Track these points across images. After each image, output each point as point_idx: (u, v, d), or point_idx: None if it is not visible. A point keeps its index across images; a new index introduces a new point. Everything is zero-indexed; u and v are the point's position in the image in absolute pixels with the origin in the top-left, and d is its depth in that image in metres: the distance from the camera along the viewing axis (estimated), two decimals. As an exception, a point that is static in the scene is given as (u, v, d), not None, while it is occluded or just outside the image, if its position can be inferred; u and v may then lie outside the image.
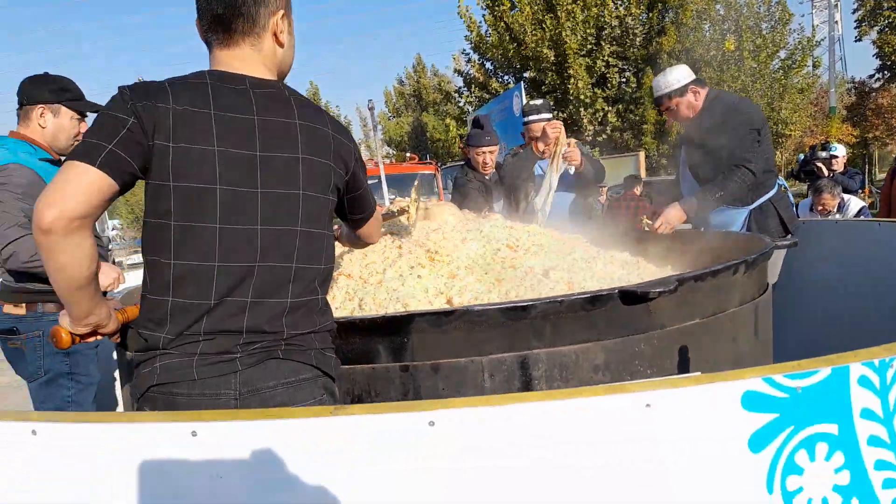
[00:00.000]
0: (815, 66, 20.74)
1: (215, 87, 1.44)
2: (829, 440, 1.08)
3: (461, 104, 21.36)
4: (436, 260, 2.32)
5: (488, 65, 19.90)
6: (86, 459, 1.04)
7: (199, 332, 1.42)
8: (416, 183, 2.63)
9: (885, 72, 19.42)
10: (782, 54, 19.34)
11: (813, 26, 23.82)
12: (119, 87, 1.43)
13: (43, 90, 2.82)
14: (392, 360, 1.89)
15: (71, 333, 1.51)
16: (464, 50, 20.22)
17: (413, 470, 1.01)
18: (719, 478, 1.04)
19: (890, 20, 18.34)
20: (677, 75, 3.45)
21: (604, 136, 17.81)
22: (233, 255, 1.42)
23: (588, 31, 17.32)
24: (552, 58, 17.63)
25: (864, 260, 3.17)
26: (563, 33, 16.97)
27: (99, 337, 1.59)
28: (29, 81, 2.86)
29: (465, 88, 20.92)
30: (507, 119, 14.77)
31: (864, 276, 3.14)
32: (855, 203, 5.43)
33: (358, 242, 2.03)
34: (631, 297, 1.91)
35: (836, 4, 26.93)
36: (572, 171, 3.75)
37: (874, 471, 1.11)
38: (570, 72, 17.20)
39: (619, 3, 17.83)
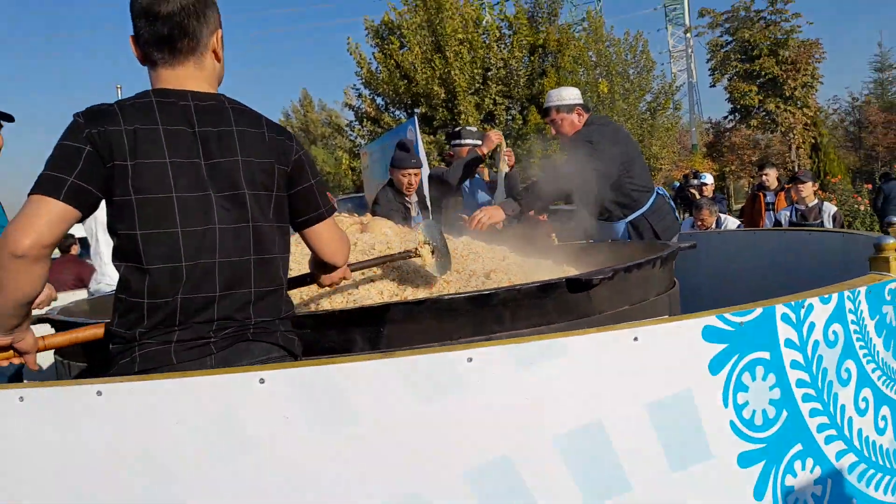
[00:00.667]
0: (676, 109, 22.99)
1: (160, 104, 1.56)
2: (764, 364, 1.39)
3: (353, 137, 21.56)
4: (423, 246, 2.52)
5: (379, 100, 20.32)
6: (170, 412, 1.14)
7: (175, 323, 1.55)
8: (420, 224, 2.61)
9: (736, 114, 21.95)
10: (648, 97, 21.37)
11: (673, 73, 26.44)
12: (73, 115, 1.53)
13: None
14: (370, 348, 2.04)
15: None
16: (354, 85, 20.53)
17: (448, 399, 1.20)
18: (689, 395, 1.32)
19: (737, 70, 20.86)
20: (569, 94, 3.82)
21: (494, 168, 18.59)
22: (196, 255, 1.55)
23: (475, 70, 18.21)
24: (442, 95, 18.33)
25: (744, 260, 3.72)
26: (453, 72, 17.74)
27: (14, 359, 1.60)
28: None
29: (357, 122, 21.17)
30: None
31: (746, 272, 3.69)
32: (731, 221, 6.23)
33: (324, 268, 1.93)
34: (576, 284, 2.20)
35: (691, 55, 30.36)
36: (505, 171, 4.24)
37: (796, 388, 1.43)
38: (461, 108, 17.93)
39: (503, 46, 18.97)
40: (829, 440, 1.46)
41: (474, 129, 4.60)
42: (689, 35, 26.65)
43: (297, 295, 2.42)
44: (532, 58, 18.97)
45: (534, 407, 1.23)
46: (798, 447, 1.42)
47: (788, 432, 1.41)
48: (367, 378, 1.16)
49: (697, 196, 7.78)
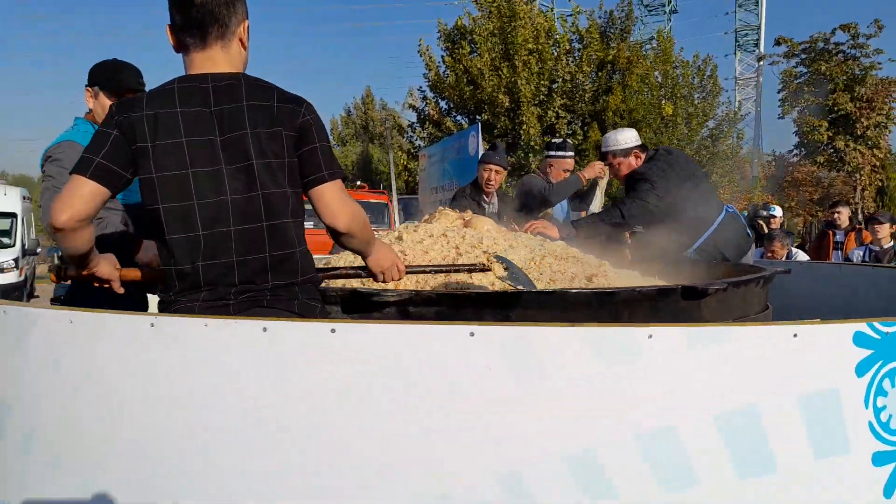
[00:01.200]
0: (738, 138, 22.68)
1: (181, 90, 1.75)
2: (904, 373, 1.51)
3: (412, 139, 21.87)
4: (492, 261, 2.67)
5: (443, 104, 20.60)
6: (384, 354, 1.33)
7: (200, 287, 1.76)
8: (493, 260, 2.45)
9: (802, 148, 21.54)
10: (711, 123, 21.14)
11: (738, 101, 26.06)
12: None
13: (91, 75, 3.04)
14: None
15: (64, 270, 1.92)
16: (420, 87, 20.85)
17: (628, 368, 1.36)
18: (836, 393, 1.45)
19: (809, 103, 20.47)
20: (626, 137, 3.81)
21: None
22: (211, 225, 1.73)
23: (542, 82, 18.32)
24: (507, 103, 18.47)
25: (827, 292, 3.79)
26: (519, 81, 17.89)
27: (96, 283, 1.92)
28: (93, 66, 3.07)
29: (418, 124, 21.50)
30: (461, 157, 15.34)
31: (826, 303, 3.75)
32: (801, 255, 6.22)
33: (332, 233, 1.89)
34: (691, 292, 2.34)
35: (759, 83, 29.90)
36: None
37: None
38: (523, 118, 18.05)
39: (572, 59, 19.03)
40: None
41: (559, 140, 4.75)
42: (761, 63, 26.23)
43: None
44: (599, 73, 18.99)
45: (700, 385, 1.38)
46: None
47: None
48: (560, 342, 1.33)
49: (766, 228, 7.75)
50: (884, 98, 19.73)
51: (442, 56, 19.77)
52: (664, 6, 41.50)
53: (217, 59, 1.80)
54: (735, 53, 42.13)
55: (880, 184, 20.83)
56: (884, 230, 6.47)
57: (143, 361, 1.44)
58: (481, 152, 9.88)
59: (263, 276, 1.77)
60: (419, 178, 14.51)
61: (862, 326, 1.46)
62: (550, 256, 3.15)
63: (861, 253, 6.59)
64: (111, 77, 3.01)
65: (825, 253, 7.42)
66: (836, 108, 20.00)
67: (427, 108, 20.94)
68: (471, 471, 1.32)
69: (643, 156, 3.76)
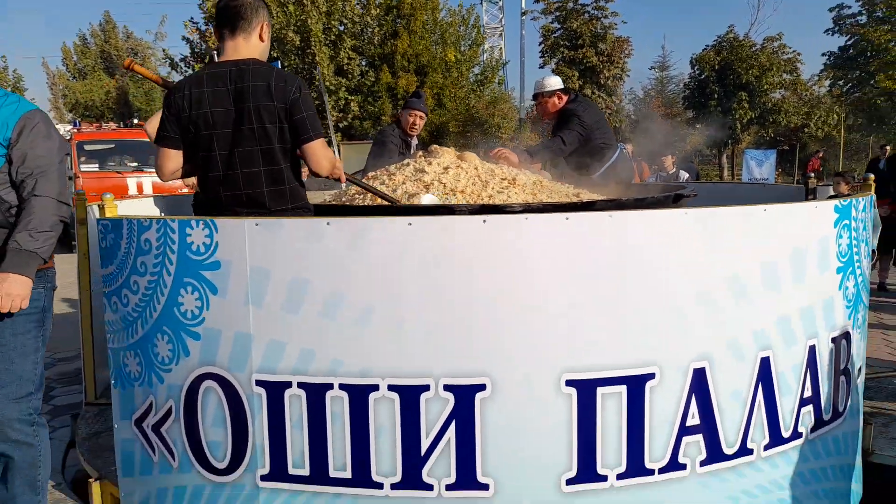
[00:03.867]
0: (500, 84, 24.99)
1: (209, 75, 2.43)
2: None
3: (188, 74, 20.18)
4: (516, 184, 3.22)
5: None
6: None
7: (223, 209, 2.45)
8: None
9: (559, 94, 24.53)
10: (476, 70, 22.98)
11: (500, 49, 28.50)
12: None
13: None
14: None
15: None
16: (192, 18, 19.26)
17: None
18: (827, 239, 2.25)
19: (564, 56, 23.34)
20: (551, 82, 4.54)
21: (345, 122, 18.86)
22: (227, 168, 2.42)
23: (332, 22, 18.19)
24: (297, 42, 18.03)
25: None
26: (309, 20, 17.55)
27: None
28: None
29: (195, 59, 19.93)
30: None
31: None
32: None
33: (315, 175, 2.59)
34: (680, 198, 3.11)
35: (520, 33, 33.20)
36: None
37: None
38: (316, 59, 17.83)
39: (358, 2, 19.14)
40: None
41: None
42: (523, 17, 28.89)
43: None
44: (387, 17, 19.41)
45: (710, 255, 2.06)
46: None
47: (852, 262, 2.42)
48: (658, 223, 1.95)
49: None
50: (619, 54, 23.34)
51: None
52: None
53: (240, 48, 2.47)
54: (482, 3, 45.30)
55: (615, 126, 24.74)
56: (668, 161, 8.24)
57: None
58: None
59: (263, 203, 2.44)
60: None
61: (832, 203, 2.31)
62: (541, 181, 3.69)
63: (654, 179, 8.34)
64: None
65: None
66: (585, 61, 23.13)
67: (203, 42, 19.46)
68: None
69: (565, 97, 4.47)
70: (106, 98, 29.60)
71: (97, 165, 13.55)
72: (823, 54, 30.04)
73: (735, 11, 54.14)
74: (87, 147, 13.55)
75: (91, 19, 58.73)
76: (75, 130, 13.87)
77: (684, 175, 8.27)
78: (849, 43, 27.84)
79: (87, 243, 3.08)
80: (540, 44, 24.44)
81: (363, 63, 19.54)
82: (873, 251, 2.62)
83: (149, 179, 13.74)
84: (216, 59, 2.55)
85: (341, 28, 18.78)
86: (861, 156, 29.57)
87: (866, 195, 2.46)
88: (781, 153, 25.86)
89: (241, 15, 2.45)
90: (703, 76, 25.64)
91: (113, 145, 13.95)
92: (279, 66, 9.41)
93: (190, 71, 20.09)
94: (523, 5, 29.01)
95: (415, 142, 5.12)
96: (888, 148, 15.07)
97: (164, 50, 23.16)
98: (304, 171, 2.67)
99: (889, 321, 6.46)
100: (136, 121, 17.36)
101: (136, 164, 13.91)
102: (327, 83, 17.71)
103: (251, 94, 2.35)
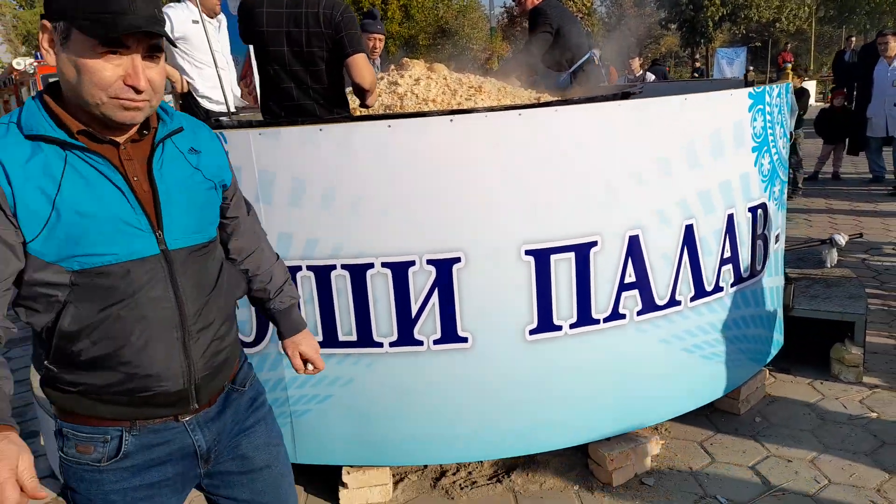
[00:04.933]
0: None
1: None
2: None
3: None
4: (482, 91, 3.53)
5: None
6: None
7: (281, 113, 2.88)
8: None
9: None
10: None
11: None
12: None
13: None
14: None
15: None
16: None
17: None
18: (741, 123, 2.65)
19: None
20: None
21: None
22: (281, 71, 2.81)
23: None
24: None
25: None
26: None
27: None
28: None
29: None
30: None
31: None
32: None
33: (357, 89, 2.85)
34: (628, 95, 3.45)
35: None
36: None
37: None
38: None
39: None
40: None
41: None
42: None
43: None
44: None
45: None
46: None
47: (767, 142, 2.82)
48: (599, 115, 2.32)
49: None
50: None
51: None
52: None
53: None
54: None
55: (589, 29, 24.47)
56: (635, 63, 8.50)
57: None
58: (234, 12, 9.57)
59: (311, 97, 2.83)
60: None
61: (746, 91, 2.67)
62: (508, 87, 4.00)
63: (622, 81, 8.60)
64: None
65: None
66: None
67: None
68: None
69: None
70: (61, 26, 28.44)
71: (65, 98, 13.35)
72: (796, -56, 29.46)
73: None
74: (51, 80, 13.29)
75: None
76: (38, 63, 13.54)
77: (650, 77, 8.53)
78: (821, -69, 27.30)
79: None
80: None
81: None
82: (791, 133, 3.01)
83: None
84: None
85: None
86: (834, 48, 29.61)
87: (782, 83, 2.83)
88: (754, 50, 25.86)
89: None
90: (675, -27, 25.19)
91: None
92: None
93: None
94: None
95: (378, 62, 5.32)
96: (853, 40, 15.30)
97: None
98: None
99: (836, 206, 7.00)
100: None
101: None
102: None
103: (303, 18, 2.70)
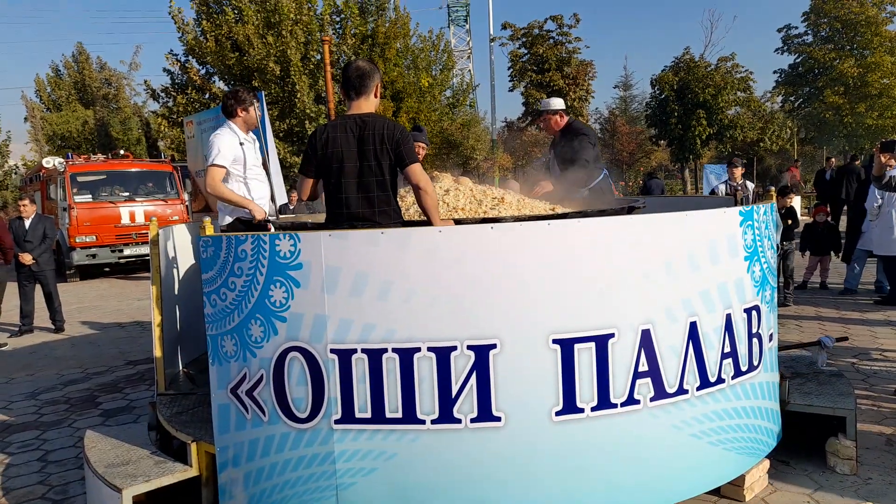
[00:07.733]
0: (471, 106, 26.03)
1: (339, 123, 3.24)
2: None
3: (169, 104, 20.74)
4: (504, 202, 3.98)
5: (202, 69, 19.94)
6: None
7: (342, 216, 3.25)
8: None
9: (529, 116, 25.69)
10: (448, 93, 23.97)
11: (470, 72, 29.60)
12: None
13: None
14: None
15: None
16: (172, 51, 19.80)
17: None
18: (734, 236, 3.08)
19: (532, 80, 24.47)
20: (556, 102, 5.38)
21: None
22: (353, 192, 3.22)
23: (311, 52, 18.94)
24: (277, 71, 18.73)
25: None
26: (289, 51, 18.30)
27: None
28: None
29: (176, 89, 20.49)
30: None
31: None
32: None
33: (416, 191, 3.22)
34: (634, 209, 3.90)
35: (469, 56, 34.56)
36: None
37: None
38: (296, 87, 18.54)
39: (333, 31, 19.96)
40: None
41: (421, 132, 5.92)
42: (492, 42, 30.01)
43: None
44: (362, 46, 20.25)
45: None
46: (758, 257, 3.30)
47: (757, 252, 3.26)
48: (614, 226, 2.76)
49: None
50: (584, 77, 24.57)
51: (200, 21, 19.10)
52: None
53: (362, 105, 3.32)
54: (449, 27, 46.64)
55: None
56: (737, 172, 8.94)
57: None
58: (267, 121, 10.29)
59: (374, 216, 3.22)
60: (188, 145, 14.08)
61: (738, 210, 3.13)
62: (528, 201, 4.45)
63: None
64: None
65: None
66: (551, 84, 24.29)
67: (184, 73, 20.05)
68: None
69: (566, 117, 5.33)
70: (83, 129, 29.85)
71: (90, 196, 14.03)
72: (775, 72, 31.89)
73: (690, 33, 56.42)
74: (79, 178, 14.03)
75: (64, 51, 58.88)
76: (68, 163, 14.32)
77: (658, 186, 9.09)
78: (797, 61, 29.55)
79: (158, 262, 3.75)
80: (508, 68, 25.60)
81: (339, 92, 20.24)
82: (778, 245, 3.44)
83: (140, 208, 14.30)
84: (345, 112, 3.35)
85: (318, 57, 19.54)
86: (816, 166, 31.25)
87: (767, 203, 3.29)
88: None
89: (363, 82, 3.28)
90: (664, 96, 27.03)
91: (104, 176, 14.46)
92: (261, 96, 10.02)
93: (171, 101, 20.74)
94: (491, 32, 30.24)
95: None
96: (833, 160, 16.36)
97: (145, 81, 23.63)
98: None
99: (825, 313, 7.37)
100: (122, 151, 17.87)
101: (127, 193, 14.45)
102: (308, 111, 18.43)
103: (370, 139, 3.18)
